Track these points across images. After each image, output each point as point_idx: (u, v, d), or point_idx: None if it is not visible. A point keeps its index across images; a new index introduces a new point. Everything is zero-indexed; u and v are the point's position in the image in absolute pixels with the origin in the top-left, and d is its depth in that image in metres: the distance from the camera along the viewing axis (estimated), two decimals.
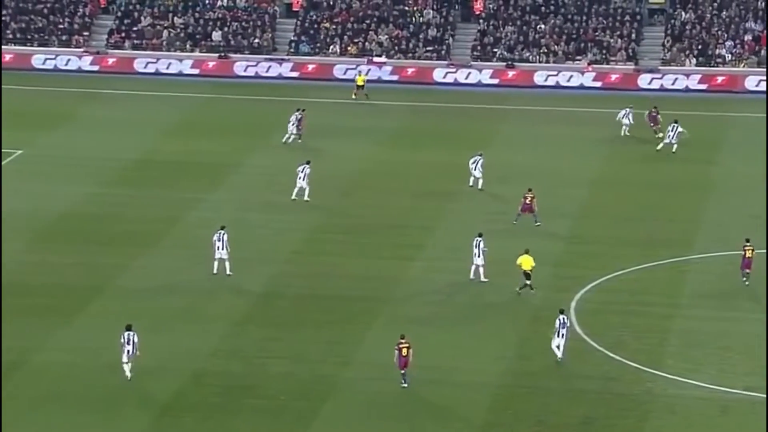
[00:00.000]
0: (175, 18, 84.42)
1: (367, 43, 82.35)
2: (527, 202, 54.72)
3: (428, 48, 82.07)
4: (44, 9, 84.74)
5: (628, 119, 67.09)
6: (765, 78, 77.08)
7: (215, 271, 49.07)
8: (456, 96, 77.11)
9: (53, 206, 56.83)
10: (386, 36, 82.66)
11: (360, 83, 75.79)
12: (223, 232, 49.30)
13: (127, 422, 39.17)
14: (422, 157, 64.76)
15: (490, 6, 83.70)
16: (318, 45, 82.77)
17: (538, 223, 54.49)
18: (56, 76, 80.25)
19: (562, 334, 42.70)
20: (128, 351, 41.28)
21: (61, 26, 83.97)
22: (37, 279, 49.10)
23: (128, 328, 41.57)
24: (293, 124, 65.48)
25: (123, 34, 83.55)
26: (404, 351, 41.14)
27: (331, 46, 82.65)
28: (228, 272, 49.04)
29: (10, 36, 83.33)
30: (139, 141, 66.56)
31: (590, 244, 53.58)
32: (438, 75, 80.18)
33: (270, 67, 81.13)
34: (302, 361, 43.17)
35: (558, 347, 42.80)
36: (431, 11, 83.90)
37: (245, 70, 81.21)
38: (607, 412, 40.14)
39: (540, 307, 45.68)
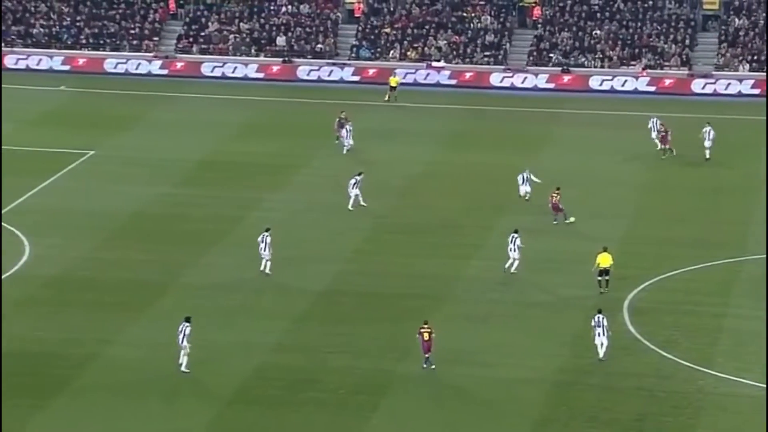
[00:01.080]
0: (241, 24, 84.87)
1: (426, 48, 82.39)
2: (553, 201, 54.80)
3: (486, 53, 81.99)
4: (116, 15, 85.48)
5: (655, 127, 65.75)
6: None
7: (261, 269, 49.32)
8: (512, 100, 76.95)
9: (124, 206, 57.29)
10: (445, 41, 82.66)
11: (393, 85, 76.05)
12: (267, 234, 49.37)
13: (193, 414, 39.48)
14: (479, 159, 64.67)
15: (547, 12, 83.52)
16: (378, 50, 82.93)
17: (556, 221, 54.73)
18: (127, 79, 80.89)
19: (599, 333, 42.51)
20: (182, 339, 41.57)
21: (132, 31, 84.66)
22: (110, 275, 49.58)
23: (187, 320, 42.02)
24: (346, 138, 64.39)
25: (191, 39, 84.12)
26: (426, 335, 41.70)
27: (391, 51, 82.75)
28: (267, 271, 49.11)
29: (84, 41, 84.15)
30: (206, 142, 66.96)
31: (643, 245, 53.31)
32: (495, 79, 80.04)
33: (332, 71, 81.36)
34: (362, 356, 43.32)
35: (601, 345, 42.63)
36: (489, 17, 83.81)
37: (308, 74, 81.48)
38: (660, 409, 39.98)
39: (593, 306, 45.53)
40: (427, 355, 42.02)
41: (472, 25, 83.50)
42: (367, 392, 40.91)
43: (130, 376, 41.78)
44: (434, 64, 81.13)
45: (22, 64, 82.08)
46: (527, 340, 44.56)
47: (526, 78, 79.68)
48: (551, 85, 79.39)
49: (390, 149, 66.31)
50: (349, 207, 56.13)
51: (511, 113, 74.11)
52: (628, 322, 45.65)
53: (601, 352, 42.70)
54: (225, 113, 73.61)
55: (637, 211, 57.57)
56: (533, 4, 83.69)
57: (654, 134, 65.84)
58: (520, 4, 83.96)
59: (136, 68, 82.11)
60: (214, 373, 41.88)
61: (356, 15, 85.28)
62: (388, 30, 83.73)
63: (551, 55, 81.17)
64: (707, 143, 63.91)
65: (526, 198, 57.35)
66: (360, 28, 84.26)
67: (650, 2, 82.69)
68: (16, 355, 42.75)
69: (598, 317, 42.86)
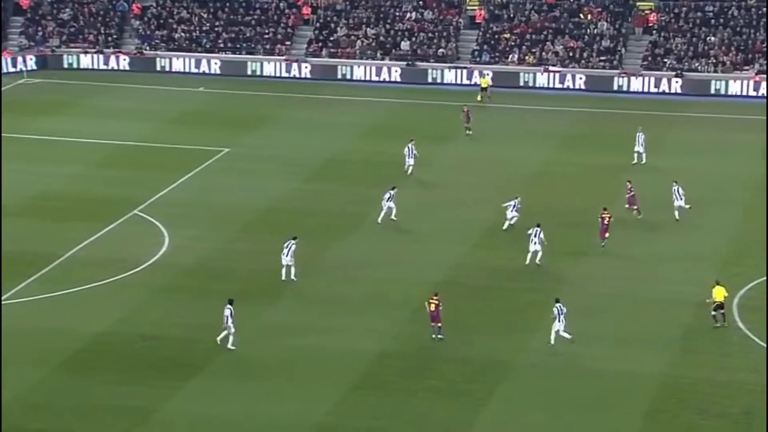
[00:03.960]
0: (368, 29, 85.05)
1: (543, 53, 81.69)
2: (627, 196, 54.32)
3: (601, 58, 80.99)
4: (252, 20, 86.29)
5: None
6: None
7: (283, 278, 48.15)
8: (627, 103, 75.92)
9: (256, 200, 57.73)
10: (562, 46, 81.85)
11: (484, 86, 75.84)
12: (292, 242, 48.52)
13: (319, 397, 39.57)
14: (594, 160, 63.85)
15: (662, 19, 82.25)
16: (498, 54, 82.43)
17: (640, 215, 54.00)
18: (261, 81, 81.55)
19: (561, 320, 42.49)
20: (226, 318, 41.86)
21: (266, 36, 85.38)
22: (242, 266, 49.96)
23: (230, 302, 42.38)
24: (409, 156, 61.51)
25: (320, 44, 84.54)
26: (432, 306, 42.70)
27: (510, 56, 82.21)
28: (293, 277, 48.20)
29: (222, 45, 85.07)
30: (334, 141, 67.24)
31: (755, 243, 52.12)
32: (610, 83, 79.02)
33: (453, 74, 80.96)
34: (478, 347, 43.03)
35: (557, 332, 42.42)
36: (605, 23, 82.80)
37: (430, 77, 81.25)
38: None
39: (699, 303, 44.64)
40: (432, 324, 42.76)
41: (588, 30, 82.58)
42: (482, 381, 40.64)
43: (260, 361, 42.04)
44: (551, 68, 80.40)
45: (164, 67, 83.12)
46: (638, 334, 43.85)
47: (640, 82, 78.53)
48: (665, 89, 78.15)
49: (509, 149, 65.87)
50: (378, 220, 54.03)
51: (626, 116, 73.06)
52: (738, 319, 44.66)
53: (566, 334, 42.25)
54: (352, 114, 73.82)
55: (748, 211, 56.31)
56: (649, 11, 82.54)
57: None
58: (636, 10, 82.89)
59: (269, 71, 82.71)
60: (342, 359, 41.95)
61: (477, 21, 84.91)
62: (507, 35, 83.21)
63: (665, 60, 79.90)
64: None
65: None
66: (480, 34, 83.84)
67: (765, 9, 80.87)
68: (155, 339, 43.38)
69: (558, 306, 42.61)
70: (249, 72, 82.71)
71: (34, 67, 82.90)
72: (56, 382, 40.17)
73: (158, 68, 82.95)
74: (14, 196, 57.64)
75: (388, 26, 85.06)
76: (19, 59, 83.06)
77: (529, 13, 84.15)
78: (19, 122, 70.32)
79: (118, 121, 71.33)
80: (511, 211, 53.67)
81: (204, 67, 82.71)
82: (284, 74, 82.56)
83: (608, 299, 46.92)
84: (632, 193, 54.75)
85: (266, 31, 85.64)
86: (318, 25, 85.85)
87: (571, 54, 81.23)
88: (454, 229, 54.10)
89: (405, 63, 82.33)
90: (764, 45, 79.29)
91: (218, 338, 42.64)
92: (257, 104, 76.34)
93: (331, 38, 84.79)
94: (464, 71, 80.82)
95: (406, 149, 60.90)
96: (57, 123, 70.72)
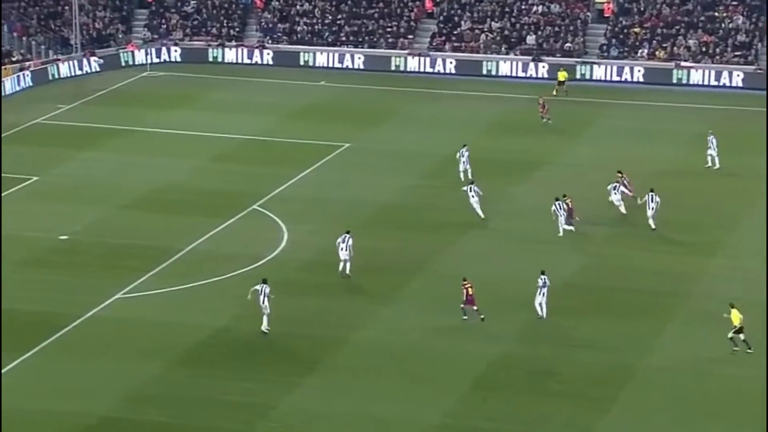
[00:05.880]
0: (493, 23, 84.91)
1: (675, 48, 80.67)
2: (623, 186, 54.88)
3: (736, 53, 79.66)
4: (375, 13, 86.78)
5: None
6: None
7: (340, 270, 48.47)
8: (760, 100, 74.53)
9: (375, 196, 58.12)
10: (695, 41, 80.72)
11: (561, 79, 75.60)
12: (347, 236, 48.68)
13: (436, 398, 39.69)
14: (724, 160, 62.77)
15: None
16: (626, 49, 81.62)
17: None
18: (382, 75, 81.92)
19: (543, 293, 43.90)
20: (262, 300, 43.04)
21: (389, 29, 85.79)
22: (360, 261, 50.19)
23: (264, 282, 43.60)
24: (463, 163, 60.46)
25: (444, 38, 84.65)
26: (470, 290, 43.94)
27: (640, 51, 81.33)
28: (347, 272, 48.38)
29: (344, 38, 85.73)
30: (454, 138, 67.20)
31: None
32: (742, 80, 77.71)
33: (580, 69, 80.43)
34: (602, 350, 42.76)
35: (540, 305, 44.01)
36: (741, 17, 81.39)
37: (552, 73, 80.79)
38: None
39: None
40: (463, 307, 44.06)
41: (723, 24, 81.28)
42: (605, 385, 40.38)
43: (376, 359, 42.35)
44: (683, 63, 79.34)
45: (307, 62, 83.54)
46: (763, 339, 43.12)
47: None
48: None
49: (634, 148, 65.27)
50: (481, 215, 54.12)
51: (758, 114, 71.79)
52: None
53: (541, 311, 44.09)
54: (477, 110, 73.70)
55: None
56: None
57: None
58: None
59: (391, 65, 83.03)
60: (459, 358, 42.07)
61: (606, 15, 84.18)
62: (637, 29, 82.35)
63: None
64: None
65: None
66: (609, 28, 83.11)
67: None
68: (273, 334, 43.92)
69: (543, 277, 44.11)
70: (370, 66, 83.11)
71: (179, 60, 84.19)
72: (174, 376, 40.99)
73: (301, 63, 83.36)
74: (135, 189, 58.93)
75: (513, 20, 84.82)
76: (164, 51, 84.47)
77: (660, 7, 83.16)
78: (140, 115, 71.86)
79: (239, 114, 72.39)
80: (615, 193, 53.95)
81: (347, 62, 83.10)
82: (407, 68, 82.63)
83: (736, 302, 46.16)
84: (626, 180, 54.80)
85: (389, 24, 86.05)
86: (442, 18, 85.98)
87: (704, 49, 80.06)
88: (577, 229, 53.72)
89: (530, 57, 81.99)
90: None
91: (263, 327, 43.20)
92: (378, 99, 76.71)
93: (455, 32, 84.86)
94: (614, 68, 79.62)
95: (458, 154, 59.79)
96: (178, 116, 72.06)
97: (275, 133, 68.80)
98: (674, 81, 78.58)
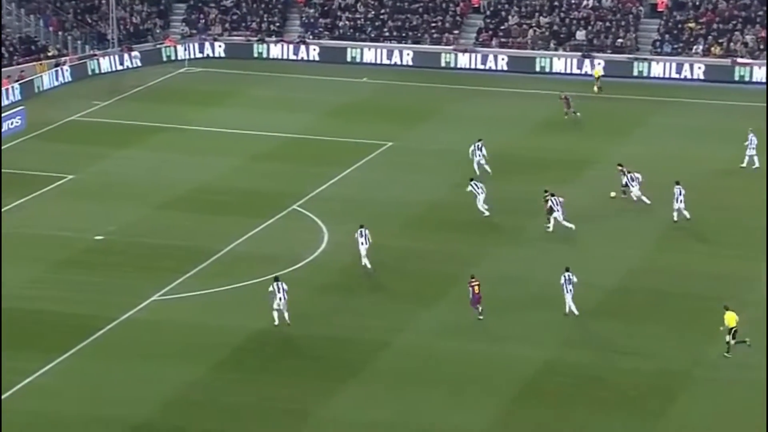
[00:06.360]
0: (541, 17, 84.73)
1: (731, 44, 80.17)
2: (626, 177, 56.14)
3: None
4: (419, 8, 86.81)
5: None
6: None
7: (363, 264, 49.35)
8: None
9: (418, 196, 58.13)
10: (752, 36, 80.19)
11: (597, 76, 75.84)
12: (364, 230, 49.50)
13: (483, 406, 39.69)
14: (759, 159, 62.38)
15: None
16: (681, 45, 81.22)
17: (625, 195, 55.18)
18: (425, 72, 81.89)
19: (569, 290, 44.70)
20: (279, 298, 43.82)
21: (433, 24, 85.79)
22: (402, 264, 50.40)
23: (276, 279, 44.43)
24: (479, 157, 60.88)
25: (490, 33, 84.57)
26: (477, 289, 44.72)
27: (694, 47, 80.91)
28: (369, 265, 49.17)
29: (387, 33, 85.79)
30: (500, 136, 67.16)
31: None
32: None
33: (638, 67, 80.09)
34: (651, 357, 42.59)
35: (569, 303, 44.92)
36: None
37: (605, 69, 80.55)
38: None
39: None
40: (479, 307, 44.73)
41: None
42: (656, 395, 40.20)
43: (418, 365, 42.38)
44: (739, 60, 78.84)
45: (331, 57, 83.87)
46: None
47: None
48: None
49: (691, 146, 64.99)
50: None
51: None
52: None
53: (574, 309, 44.76)
54: (524, 108, 73.60)
55: None
56: None
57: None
58: None
59: (435, 61, 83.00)
60: (504, 365, 42.06)
61: (659, 9, 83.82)
62: (692, 25, 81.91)
63: None
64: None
65: None
66: (662, 23, 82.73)
67: None
68: (313, 338, 44.09)
69: (567, 274, 44.77)
70: (412, 62, 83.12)
71: (223, 55, 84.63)
72: (212, 381, 41.20)
73: (348, 59, 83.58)
74: (171, 188, 59.27)
75: (563, 14, 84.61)
76: (207, 46, 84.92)
77: (716, 1, 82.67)
78: (178, 112, 72.25)
79: (280, 112, 72.65)
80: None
81: (396, 59, 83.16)
82: (451, 65, 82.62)
83: None
84: (625, 170, 55.78)
85: (434, 19, 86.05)
86: (488, 13, 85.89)
87: (761, 45, 79.52)
88: (627, 231, 53.59)
89: (579, 53, 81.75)
90: None
91: (288, 320, 43.96)
92: (422, 96, 76.67)
93: (502, 27, 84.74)
94: (673, 65, 79.28)
95: (472, 148, 60.51)
96: (217, 113, 72.39)
97: (316, 130, 68.98)
98: (736, 78, 78.16)
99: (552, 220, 53.28)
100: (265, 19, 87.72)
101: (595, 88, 75.48)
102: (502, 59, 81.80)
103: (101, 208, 56.71)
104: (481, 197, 55.20)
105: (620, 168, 57.17)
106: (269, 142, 67.11)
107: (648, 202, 55.73)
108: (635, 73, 79.51)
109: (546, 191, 53.95)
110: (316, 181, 60.07)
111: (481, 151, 60.47)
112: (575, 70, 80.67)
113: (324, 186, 59.75)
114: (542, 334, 44.23)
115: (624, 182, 56.59)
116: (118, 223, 54.81)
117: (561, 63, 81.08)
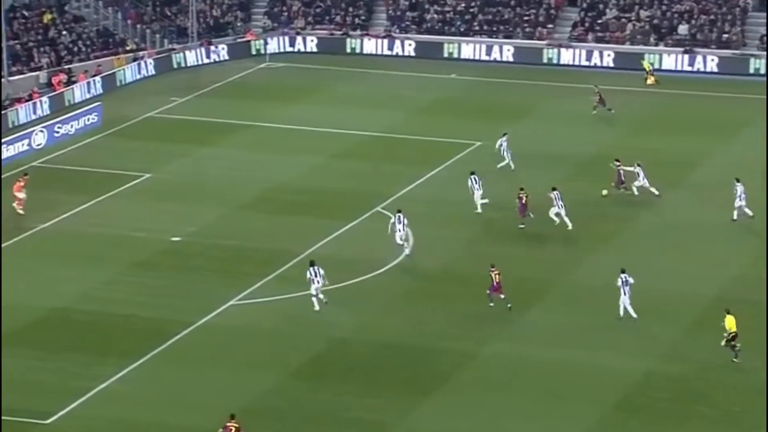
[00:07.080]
0: (641, 10, 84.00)
1: None
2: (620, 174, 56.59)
3: None
4: (511, 1, 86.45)
5: None
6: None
7: (407, 253, 50.25)
8: None
9: (505, 199, 57.27)
10: None
11: (647, 68, 75.71)
12: (401, 215, 50.60)
13: (575, 417, 39.37)
14: None
15: None
16: None
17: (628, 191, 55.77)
18: (518, 68, 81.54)
19: (626, 292, 44.68)
20: (317, 282, 45.24)
21: (526, 18, 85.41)
22: (486, 270, 50.15)
23: (312, 264, 45.69)
24: (505, 152, 61.32)
25: (586, 27, 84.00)
26: (497, 277, 45.52)
27: None
28: (408, 253, 50.11)
29: (477, 28, 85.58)
30: (599, 136, 66.70)
31: None
32: None
33: (739, 63, 79.12)
34: (755, 372, 41.95)
35: (624, 306, 44.82)
36: None
37: (711, 66, 79.63)
38: None
39: None
40: (502, 296, 45.28)
41: None
42: (759, 411, 39.60)
43: (507, 374, 42.19)
44: None
45: (427, 52, 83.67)
46: None
47: None
48: None
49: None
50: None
51: None
52: None
53: (630, 311, 44.64)
54: (620, 106, 72.90)
55: None
56: None
57: None
58: None
59: (528, 57, 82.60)
60: (600, 375, 41.76)
61: None
62: None
63: None
64: None
65: None
66: None
67: None
68: (396, 347, 44.03)
69: (624, 276, 44.70)
70: (506, 59, 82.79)
71: (315, 50, 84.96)
72: (291, 389, 41.31)
73: (446, 54, 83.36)
74: (251, 188, 59.61)
75: (664, 8, 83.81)
76: (298, 40, 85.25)
77: None
78: (259, 109, 72.68)
79: (365, 109, 72.78)
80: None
81: (495, 54, 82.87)
82: (543, 60, 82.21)
83: None
84: (621, 171, 55.99)
85: (527, 12, 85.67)
86: (585, 6, 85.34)
87: None
88: (730, 236, 52.92)
89: (682, 49, 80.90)
90: None
91: (324, 301, 45.36)
92: (514, 93, 76.42)
93: (599, 21, 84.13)
94: (750, 59, 78.63)
95: (499, 143, 61.17)
96: (299, 110, 72.68)
97: (403, 129, 68.97)
98: None
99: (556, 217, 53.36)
100: (350, 12, 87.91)
101: (650, 80, 74.58)
102: (609, 55, 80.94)
103: (178, 209, 57.17)
104: (477, 193, 55.28)
105: (617, 164, 57.07)
106: (353, 140, 67.23)
107: (656, 192, 55.51)
108: (751, 71, 78.36)
109: (553, 188, 53.96)
110: (402, 181, 60.04)
111: (502, 146, 60.87)
112: (686, 67, 79.60)
113: (410, 187, 59.71)
114: (643, 345, 43.77)
115: (619, 179, 56.49)
116: (196, 224, 55.21)
117: (671, 60, 79.94)
